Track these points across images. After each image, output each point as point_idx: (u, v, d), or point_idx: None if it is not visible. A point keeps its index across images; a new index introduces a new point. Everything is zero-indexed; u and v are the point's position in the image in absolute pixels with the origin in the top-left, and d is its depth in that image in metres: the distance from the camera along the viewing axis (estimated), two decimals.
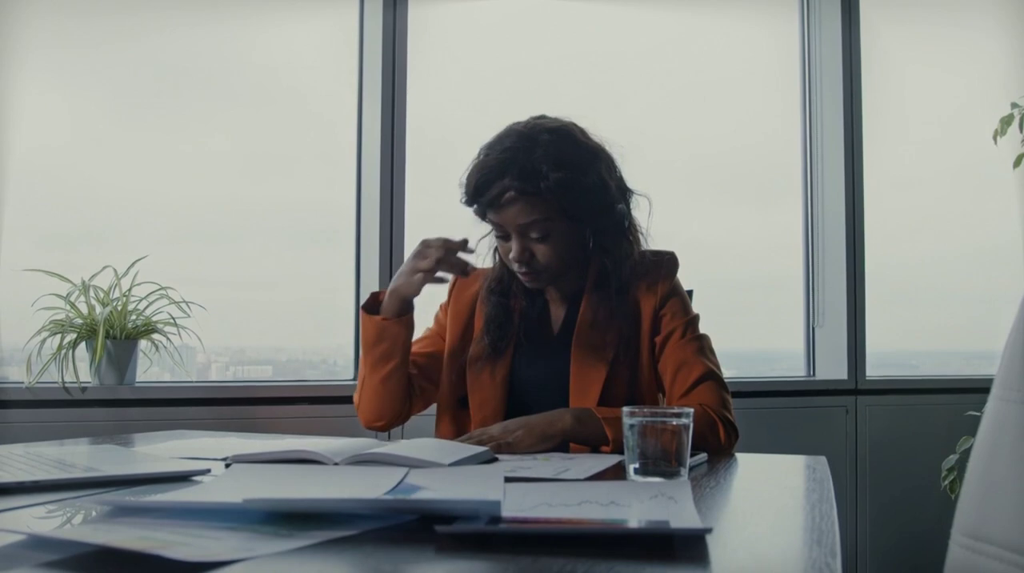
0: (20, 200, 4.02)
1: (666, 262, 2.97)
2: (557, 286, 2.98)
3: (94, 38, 4.23)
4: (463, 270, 2.80)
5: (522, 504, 1.58)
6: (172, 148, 4.35)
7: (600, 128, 2.91)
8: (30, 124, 4.07)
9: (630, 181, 2.95)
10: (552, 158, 2.71)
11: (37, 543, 1.35)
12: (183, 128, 4.37)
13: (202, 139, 4.39)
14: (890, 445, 5.05)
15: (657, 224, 2.96)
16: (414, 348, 3.09)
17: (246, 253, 4.47)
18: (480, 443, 2.44)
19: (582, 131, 2.87)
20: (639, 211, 2.97)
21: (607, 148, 2.90)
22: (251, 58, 4.50)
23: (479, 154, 2.81)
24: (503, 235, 2.82)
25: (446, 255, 2.78)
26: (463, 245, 2.80)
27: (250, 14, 4.47)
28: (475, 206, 2.81)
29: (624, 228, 2.91)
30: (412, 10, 4.50)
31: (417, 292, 2.82)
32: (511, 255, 2.82)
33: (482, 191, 2.75)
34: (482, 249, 2.99)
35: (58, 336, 3.81)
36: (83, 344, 3.86)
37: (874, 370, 5.16)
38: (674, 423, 1.99)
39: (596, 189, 2.80)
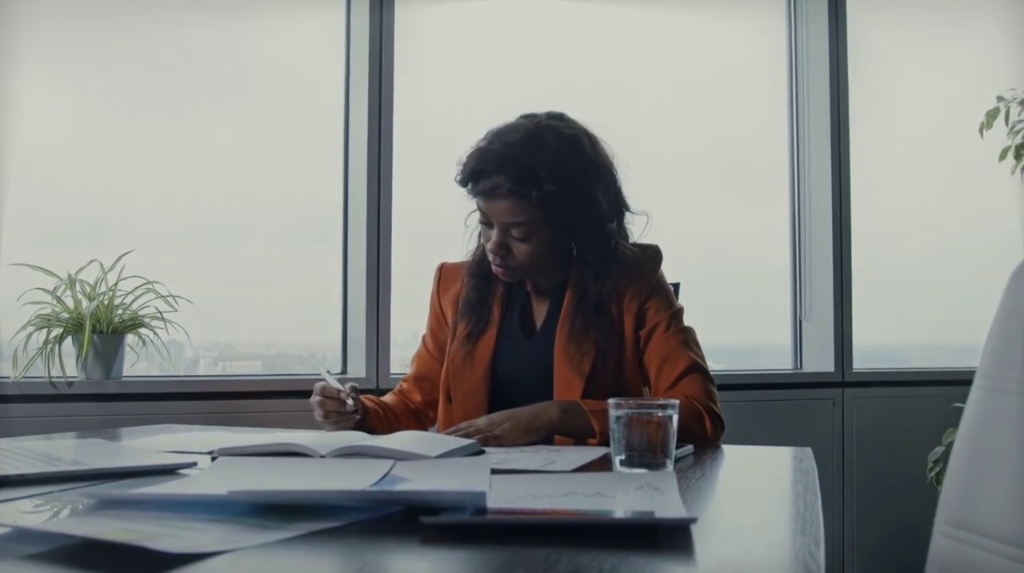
0: (19, 198, 4.01)
1: (650, 255, 2.96)
2: (537, 280, 2.97)
3: (92, 38, 4.23)
4: (345, 415, 2.76)
5: (508, 495, 1.58)
6: (167, 146, 4.35)
7: (591, 124, 2.90)
8: (30, 122, 4.06)
9: (630, 198, 2.94)
10: (553, 167, 2.69)
11: (23, 536, 1.35)
12: (179, 126, 4.37)
13: (196, 137, 4.39)
14: (877, 437, 5.06)
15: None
16: (416, 372, 3.15)
17: (237, 249, 4.47)
18: (467, 436, 2.44)
19: (592, 142, 2.84)
20: (634, 226, 2.97)
21: (613, 163, 2.88)
22: (247, 57, 4.50)
23: (484, 138, 2.80)
24: (487, 222, 2.82)
25: (327, 413, 2.77)
26: (335, 396, 2.77)
27: (247, 14, 4.47)
28: (467, 187, 2.81)
29: (611, 247, 2.90)
30: (400, 10, 4.50)
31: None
32: (488, 245, 2.83)
33: (476, 179, 2.74)
34: (472, 222, 2.97)
35: (44, 330, 3.81)
36: (69, 338, 3.85)
37: (861, 363, 5.17)
38: (660, 415, 1.99)
39: (588, 208, 2.79)
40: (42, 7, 4.10)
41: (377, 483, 1.71)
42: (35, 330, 3.80)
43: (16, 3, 4.05)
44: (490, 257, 2.84)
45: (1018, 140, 4.87)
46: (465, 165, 2.77)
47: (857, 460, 5.04)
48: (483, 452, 2.32)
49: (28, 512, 1.59)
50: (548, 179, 2.68)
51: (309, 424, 2.91)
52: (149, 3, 4.33)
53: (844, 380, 5.08)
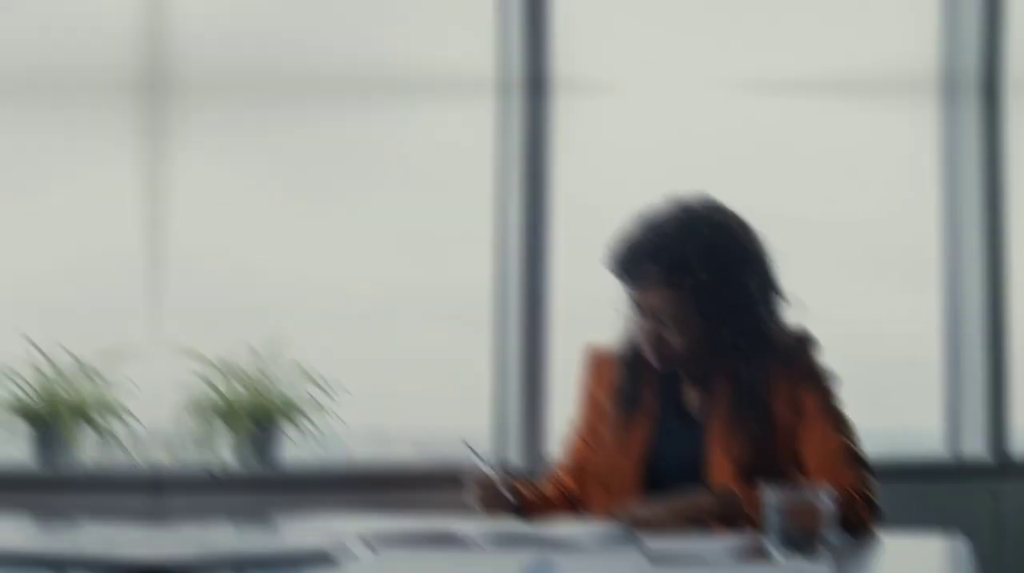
0: (176, 282, 4.08)
1: (804, 341, 2.95)
2: (690, 368, 2.96)
3: (250, 124, 4.36)
4: (507, 506, 2.78)
5: None
6: (321, 230, 4.44)
7: (742, 209, 2.90)
8: (189, 206, 4.14)
9: (782, 284, 2.94)
10: (705, 256, 2.72)
11: None
12: (333, 211, 4.46)
13: (350, 222, 4.48)
14: None
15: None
16: (569, 460, 3.14)
17: (390, 333, 4.51)
18: (622, 524, 2.44)
19: (744, 229, 2.87)
20: (787, 312, 2.96)
21: (765, 249, 2.90)
22: (400, 144, 4.57)
23: (634, 225, 2.82)
24: (638, 310, 2.82)
25: (485, 504, 2.80)
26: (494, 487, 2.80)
27: (399, 102, 4.54)
28: (617, 275, 2.82)
29: (763, 334, 2.88)
30: (556, 101, 4.52)
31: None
32: (640, 334, 2.84)
33: (627, 268, 2.76)
34: (622, 307, 2.94)
35: (199, 417, 3.85)
36: (224, 425, 3.89)
37: (1021, 450, 5.04)
38: (814, 502, 1.98)
39: (740, 295, 2.81)
40: (203, 96, 4.22)
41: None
42: (190, 416, 3.85)
43: (180, 90, 4.16)
44: (643, 346, 2.84)
45: None
46: (615, 255, 2.79)
47: (1014, 553, 4.91)
48: (639, 541, 2.31)
49: None
50: (700, 268, 2.69)
51: (466, 512, 2.92)
52: (302, 93, 4.43)
53: (1002, 468, 4.96)
